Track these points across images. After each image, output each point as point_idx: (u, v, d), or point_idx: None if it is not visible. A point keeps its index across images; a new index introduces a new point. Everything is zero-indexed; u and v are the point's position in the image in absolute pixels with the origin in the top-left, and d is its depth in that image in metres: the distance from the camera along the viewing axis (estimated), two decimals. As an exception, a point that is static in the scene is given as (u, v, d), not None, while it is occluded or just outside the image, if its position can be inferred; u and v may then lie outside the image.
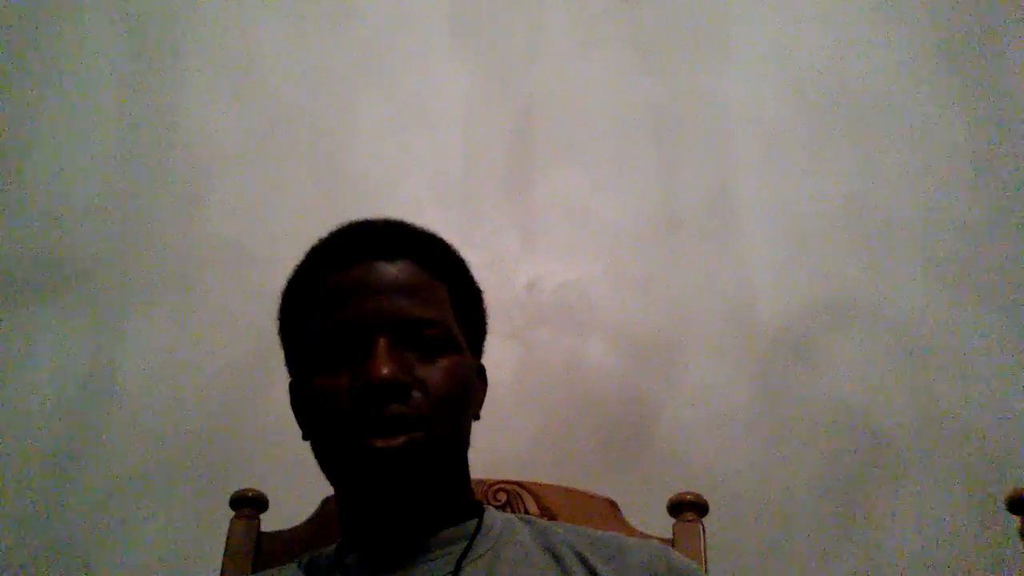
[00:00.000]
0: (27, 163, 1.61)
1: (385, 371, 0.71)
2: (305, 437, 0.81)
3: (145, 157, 1.62)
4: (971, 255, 1.51)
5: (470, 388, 0.80)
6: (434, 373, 0.74)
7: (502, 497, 1.02)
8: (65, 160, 1.62)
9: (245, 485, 1.05)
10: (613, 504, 1.03)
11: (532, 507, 1.02)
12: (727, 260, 1.53)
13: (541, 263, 1.52)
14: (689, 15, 1.72)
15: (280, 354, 1.46)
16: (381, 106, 1.66)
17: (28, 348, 1.48)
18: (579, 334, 1.47)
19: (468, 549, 0.75)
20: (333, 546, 0.81)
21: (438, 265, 0.81)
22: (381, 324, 0.74)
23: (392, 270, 0.77)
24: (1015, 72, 1.63)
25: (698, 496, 1.02)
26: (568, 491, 1.04)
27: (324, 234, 0.84)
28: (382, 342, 0.73)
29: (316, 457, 0.78)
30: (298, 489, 1.11)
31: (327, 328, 0.76)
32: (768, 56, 1.68)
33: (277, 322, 0.85)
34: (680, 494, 1.02)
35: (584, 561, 0.75)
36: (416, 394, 0.72)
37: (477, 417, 0.82)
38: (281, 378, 1.43)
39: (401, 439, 0.70)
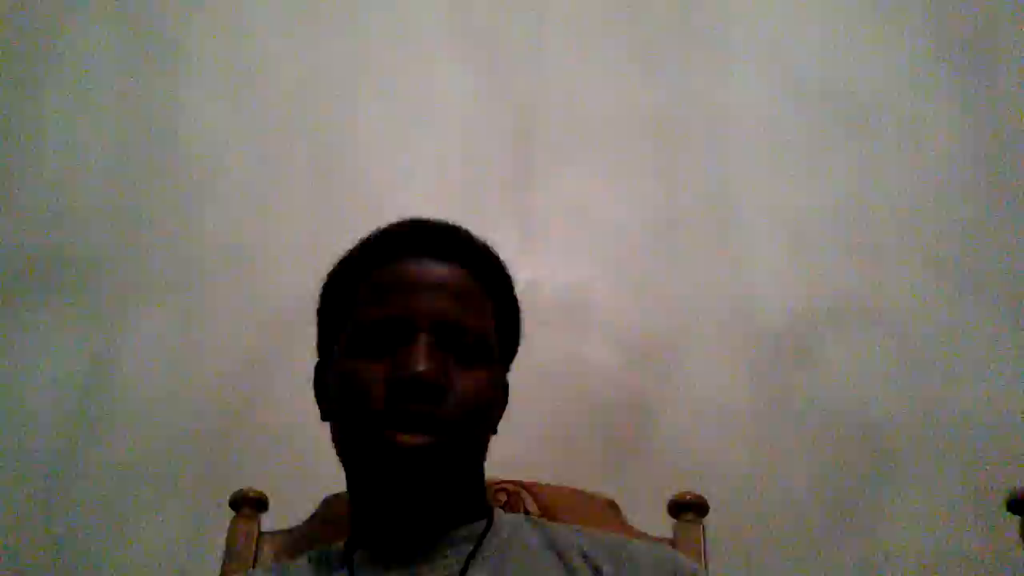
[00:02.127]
0: (28, 162, 1.61)
1: (423, 368, 0.71)
2: (324, 418, 0.82)
3: (145, 157, 1.62)
4: (971, 255, 1.51)
5: (495, 402, 0.81)
6: (466, 381, 0.75)
7: (502, 497, 1.02)
8: (66, 159, 1.62)
9: (245, 485, 1.05)
10: (613, 504, 1.03)
11: (532, 507, 1.02)
12: (727, 260, 1.53)
13: (541, 263, 1.52)
14: (689, 16, 1.72)
15: (279, 354, 1.46)
16: (381, 107, 1.66)
17: (28, 347, 1.48)
18: (579, 334, 1.47)
19: (476, 549, 0.75)
20: (342, 542, 0.81)
21: (488, 277, 0.82)
22: (427, 321, 0.75)
23: (444, 272, 0.78)
24: (1014, 73, 1.63)
25: (698, 496, 1.02)
26: (568, 491, 1.04)
27: (383, 224, 0.85)
28: (424, 339, 0.73)
29: (333, 440, 0.78)
30: (298, 489, 1.11)
31: (372, 316, 0.76)
32: (768, 57, 1.68)
33: (318, 301, 0.85)
34: (680, 494, 1.02)
35: (590, 563, 0.75)
36: (447, 396, 0.73)
37: (495, 431, 0.83)
38: (281, 378, 1.44)
39: (423, 438, 0.71)
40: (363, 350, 0.76)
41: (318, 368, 0.85)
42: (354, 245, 0.86)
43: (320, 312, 0.85)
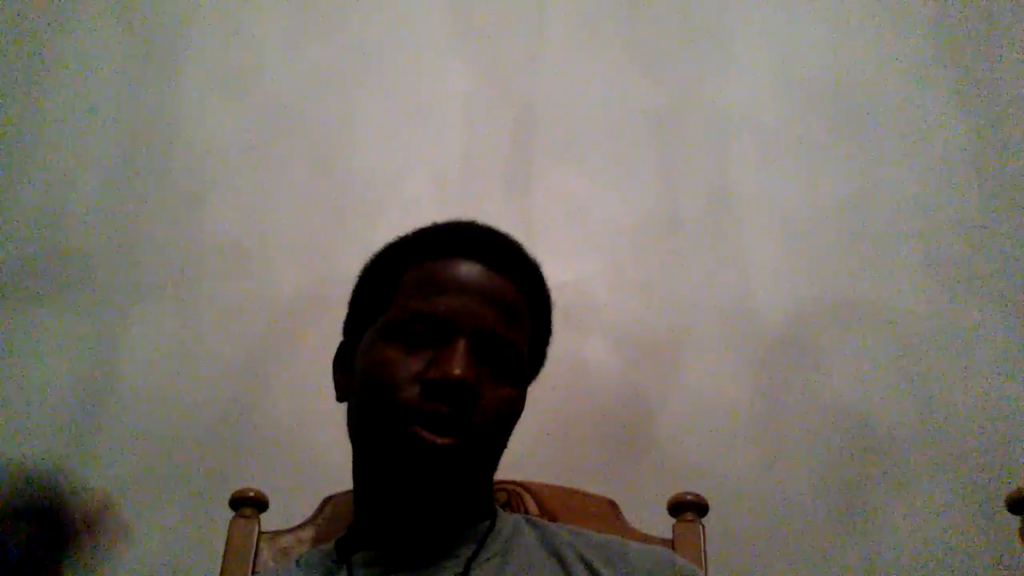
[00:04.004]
0: (27, 163, 1.61)
1: (459, 372, 0.71)
2: (340, 399, 0.81)
3: (145, 157, 1.62)
4: (971, 255, 1.51)
5: (518, 419, 0.81)
6: (496, 393, 0.75)
7: (502, 497, 1.02)
8: (65, 160, 1.62)
9: (245, 485, 1.05)
10: (613, 504, 1.03)
11: (532, 507, 1.02)
12: (727, 260, 1.53)
13: (541, 263, 1.52)
14: (689, 15, 1.72)
15: (279, 354, 1.46)
16: (381, 106, 1.66)
17: (28, 348, 1.48)
18: (579, 334, 1.47)
19: (478, 551, 0.75)
20: (331, 543, 0.81)
21: (534, 296, 0.83)
22: (469, 326, 0.75)
23: (495, 281, 0.79)
24: (1015, 72, 1.63)
25: (698, 496, 1.02)
26: (568, 491, 1.04)
27: (440, 221, 0.85)
28: (463, 343, 0.73)
29: (350, 422, 0.78)
30: (298, 489, 1.11)
31: (416, 308, 0.76)
32: (768, 57, 1.68)
33: (357, 279, 0.85)
34: (680, 494, 1.02)
35: (588, 565, 0.75)
36: (477, 404, 0.73)
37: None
38: (281, 378, 1.44)
39: (447, 440, 0.71)
40: (400, 339, 0.75)
41: (342, 347, 0.85)
42: (407, 232, 0.85)
43: (357, 291, 0.85)
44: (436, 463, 0.71)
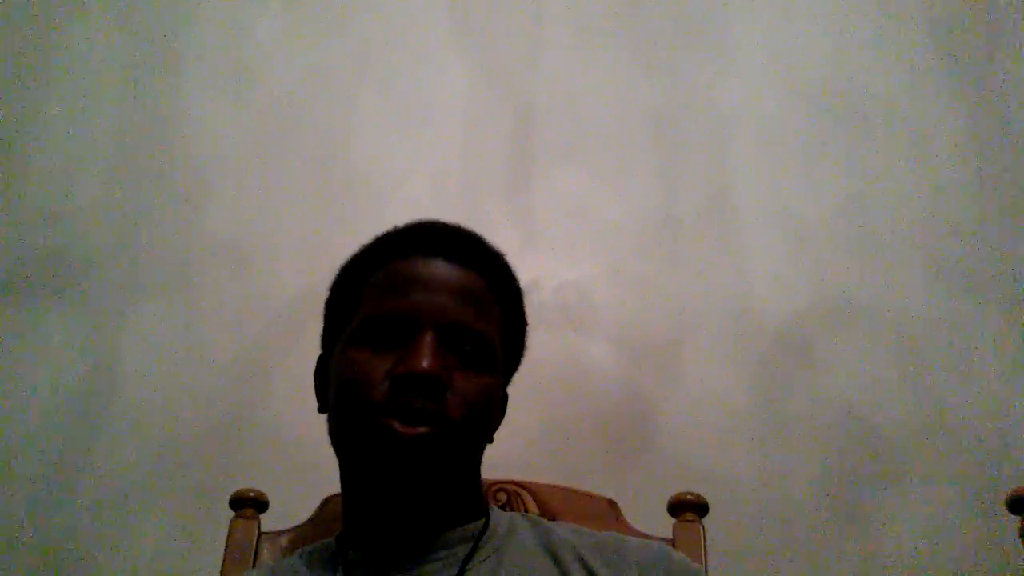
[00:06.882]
0: (28, 163, 1.61)
1: (426, 364, 0.71)
2: (321, 410, 0.81)
3: (145, 157, 1.62)
4: (971, 255, 1.51)
5: (495, 409, 0.81)
6: (469, 384, 0.74)
7: (502, 497, 1.02)
8: (65, 160, 1.62)
9: (245, 485, 1.05)
10: (613, 504, 1.03)
11: (532, 507, 1.02)
12: (727, 260, 1.53)
13: (541, 263, 1.52)
14: (689, 15, 1.72)
15: (279, 354, 1.46)
16: (381, 106, 1.66)
17: (28, 348, 1.48)
18: (579, 334, 1.47)
19: (473, 552, 0.75)
20: (332, 538, 0.81)
21: (500, 286, 0.82)
22: (433, 320, 0.75)
23: (457, 274, 0.78)
24: (1015, 72, 1.63)
25: (698, 496, 1.02)
26: (568, 491, 1.04)
27: (386, 224, 0.85)
28: (429, 337, 0.74)
29: (330, 431, 0.78)
30: (298, 489, 1.11)
31: (379, 310, 0.76)
32: (768, 57, 1.68)
33: (328, 293, 0.85)
34: (680, 494, 1.02)
35: (585, 564, 0.75)
36: (448, 396, 0.73)
37: (491, 440, 0.82)
38: (281, 378, 1.44)
39: (422, 429, 0.71)
40: (367, 342, 0.75)
41: (321, 360, 0.85)
42: (368, 241, 0.85)
43: (328, 304, 0.85)
44: (412, 453, 0.70)
